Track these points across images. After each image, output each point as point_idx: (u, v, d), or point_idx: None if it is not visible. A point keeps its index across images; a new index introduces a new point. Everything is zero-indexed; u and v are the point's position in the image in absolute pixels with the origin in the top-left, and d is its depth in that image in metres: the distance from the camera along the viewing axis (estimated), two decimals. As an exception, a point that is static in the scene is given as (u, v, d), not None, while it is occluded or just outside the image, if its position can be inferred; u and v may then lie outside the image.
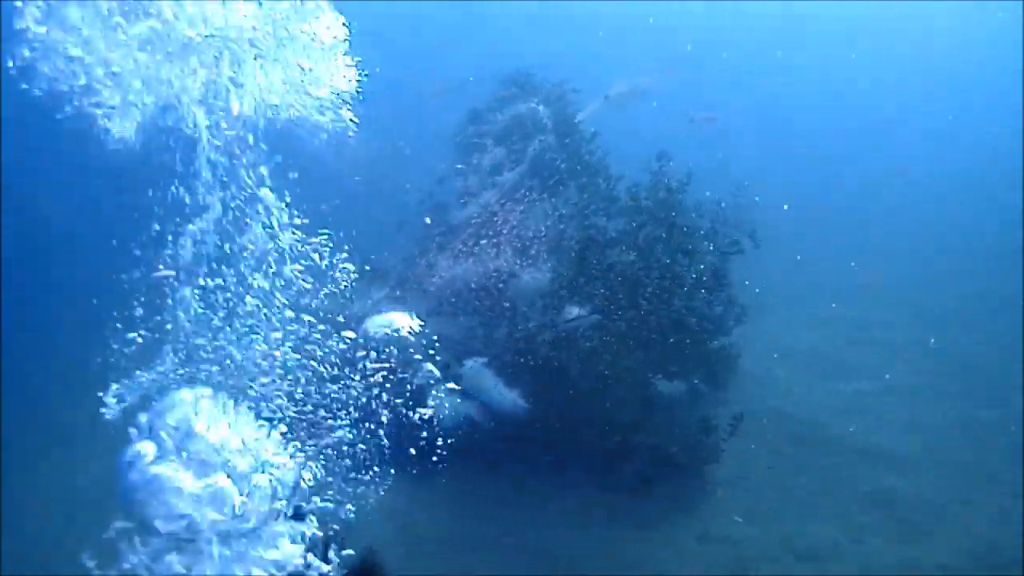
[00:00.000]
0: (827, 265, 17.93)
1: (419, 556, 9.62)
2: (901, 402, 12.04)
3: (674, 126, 19.59)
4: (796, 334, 14.88)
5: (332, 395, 7.48)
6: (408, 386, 11.84)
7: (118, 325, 5.70)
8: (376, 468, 11.49)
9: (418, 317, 12.28)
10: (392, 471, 11.67)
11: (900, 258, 17.32)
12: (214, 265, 5.70)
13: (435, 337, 12.18)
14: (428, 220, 12.63)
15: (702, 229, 11.29)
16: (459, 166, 13.41)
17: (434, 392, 11.49)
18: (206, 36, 4.81)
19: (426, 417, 11.29)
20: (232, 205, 5.57)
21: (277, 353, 6.24)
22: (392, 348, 12.55)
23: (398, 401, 11.88)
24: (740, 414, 10.61)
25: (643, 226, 10.34)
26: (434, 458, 11.33)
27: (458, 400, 11.24)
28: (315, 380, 6.97)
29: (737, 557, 8.97)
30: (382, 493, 11.30)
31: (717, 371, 12.44)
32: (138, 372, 5.42)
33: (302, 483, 4.85)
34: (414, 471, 11.50)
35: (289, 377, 6.40)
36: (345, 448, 11.53)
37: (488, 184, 12.91)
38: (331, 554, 5.09)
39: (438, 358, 12.17)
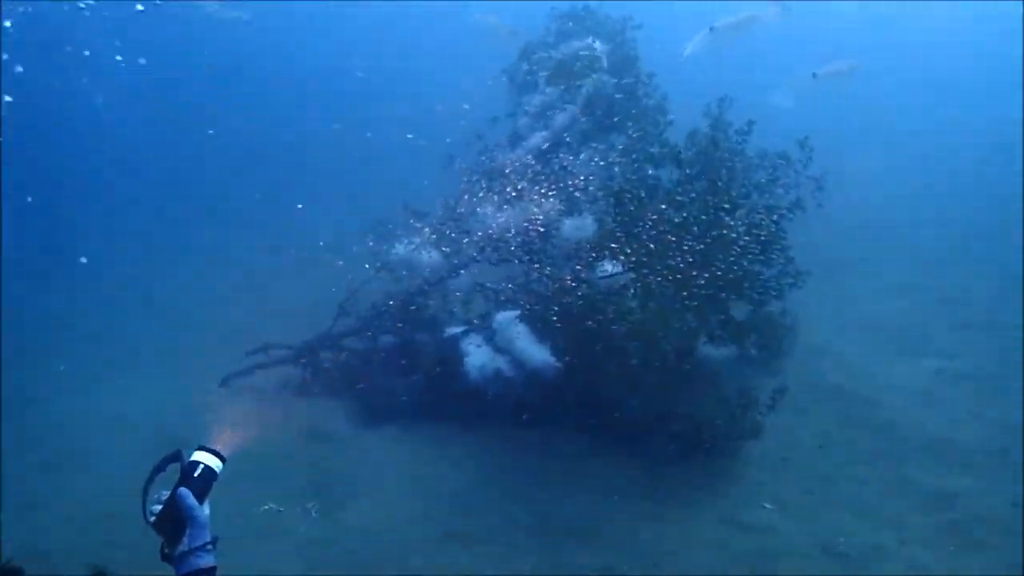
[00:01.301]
0: (911, 230, 16.12)
1: (429, 513, 9.09)
2: (980, 390, 10.51)
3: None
4: (868, 304, 13.35)
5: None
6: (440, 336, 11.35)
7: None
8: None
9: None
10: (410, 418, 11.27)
11: (993, 228, 15.32)
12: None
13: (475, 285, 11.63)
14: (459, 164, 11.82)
15: (758, 182, 10.07)
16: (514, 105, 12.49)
17: (465, 343, 10.90)
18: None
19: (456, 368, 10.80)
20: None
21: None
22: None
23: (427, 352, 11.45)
24: (783, 387, 9.51)
25: (689, 177, 9.20)
26: (458, 410, 10.85)
27: (489, 353, 10.60)
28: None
29: (760, 549, 8.00)
30: (401, 443, 10.98)
31: (770, 339, 11.28)
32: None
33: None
34: (434, 420, 11.13)
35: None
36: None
37: (539, 125, 11.96)
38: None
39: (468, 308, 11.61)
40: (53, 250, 19.15)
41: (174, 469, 3.31)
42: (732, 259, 8.93)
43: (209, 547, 3.19)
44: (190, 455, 3.35)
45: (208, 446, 3.70)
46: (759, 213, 9.10)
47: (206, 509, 3.64)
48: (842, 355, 11.72)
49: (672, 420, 9.59)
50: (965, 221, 15.89)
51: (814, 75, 12.25)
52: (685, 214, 8.91)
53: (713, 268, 8.90)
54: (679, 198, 8.97)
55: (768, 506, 8.64)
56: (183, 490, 3.27)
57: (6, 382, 12.65)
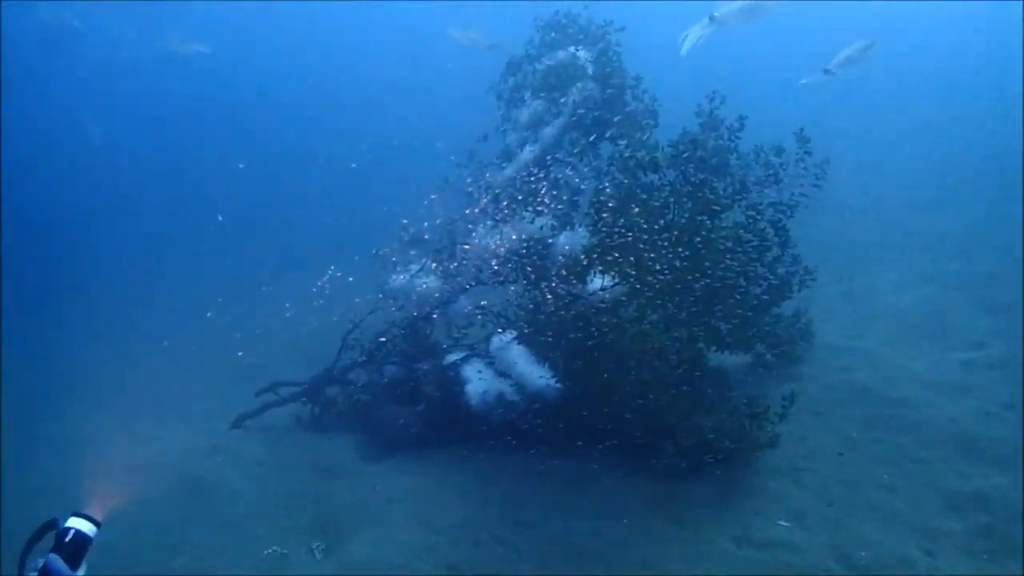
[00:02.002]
0: (928, 216, 15.24)
1: (432, 545, 8.65)
2: (1012, 380, 9.64)
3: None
4: (889, 295, 12.57)
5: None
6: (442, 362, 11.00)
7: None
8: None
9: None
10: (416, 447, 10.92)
11: (1015, 211, 14.36)
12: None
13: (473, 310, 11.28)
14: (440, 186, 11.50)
15: (755, 179, 9.50)
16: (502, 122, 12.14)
17: (466, 369, 10.53)
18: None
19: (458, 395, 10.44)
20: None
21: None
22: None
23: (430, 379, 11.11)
24: (793, 393, 8.88)
25: (669, 181, 8.69)
26: (461, 437, 10.47)
27: (490, 378, 10.21)
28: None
29: (775, 567, 7.38)
30: (407, 474, 10.62)
31: (784, 342, 10.65)
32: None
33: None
34: (440, 449, 10.75)
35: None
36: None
37: (528, 140, 11.59)
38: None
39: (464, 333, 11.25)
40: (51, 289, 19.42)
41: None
42: (724, 263, 8.35)
43: None
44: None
45: (82, 512, 4.18)
46: (752, 212, 8.50)
47: (81, 572, 3.93)
48: (864, 352, 11.00)
49: (680, 435, 9.05)
50: (985, 205, 14.99)
51: (826, 71, 11.52)
52: (663, 220, 8.39)
53: (704, 273, 8.34)
54: (655, 204, 8.45)
55: (784, 523, 8.00)
56: (52, 557, 3.48)
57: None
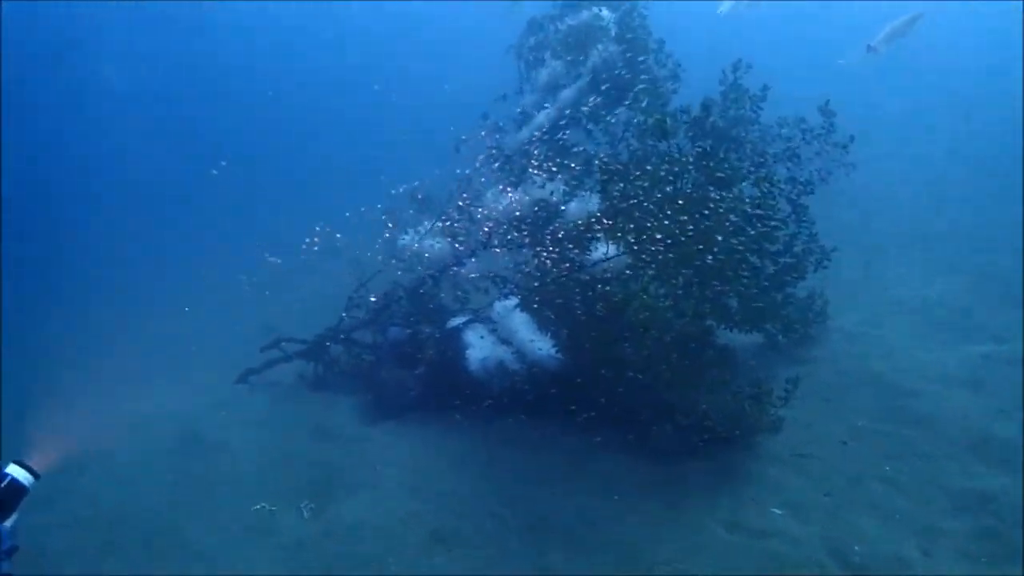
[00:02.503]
0: (956, 206, 14.56)
1: (419, 513, 8.50)
2: (1033, 376, 9.28)
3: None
4: (910, 284, 12.03)
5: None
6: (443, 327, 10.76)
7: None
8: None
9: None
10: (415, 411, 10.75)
11: None
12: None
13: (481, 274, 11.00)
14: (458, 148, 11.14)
15: (776, 152, 9.02)
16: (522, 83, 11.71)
17: (468, 334, 10.29)
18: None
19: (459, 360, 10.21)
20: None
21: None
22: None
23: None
24: (796, 378, 8.52)
25: (678, 148, 8.24)
26: (460, 403, 10.27)
27: (491, 344, 9.96)
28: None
29: (765, 557, 7.08)
30: (403, 439, 10.47)
31: (797, 324, 10.25)
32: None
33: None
34: (438, 414, 10.56)
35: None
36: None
37: (545, 102, 11.17)
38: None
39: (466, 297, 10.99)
40: (63, 249, 19.49)
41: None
42: (732, 237, 7.93)
43: (3, 554, 3.44)
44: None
45: (23, 461, 4.05)
46: (766, 184, 8.05)
47: (8, 522, 3.86)
48: (880, 340, 10.56)
49: (678, 413, 8.75)
50: (1012, 198, 14.27)
51: (869, 48, 10.85)
52: (669, 188, 7.97)
53: (711, 247, 7.94)
54: (660, 171, 8.03)
55: (778, 511, 7.70)
56: None
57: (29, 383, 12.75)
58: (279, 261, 13.76)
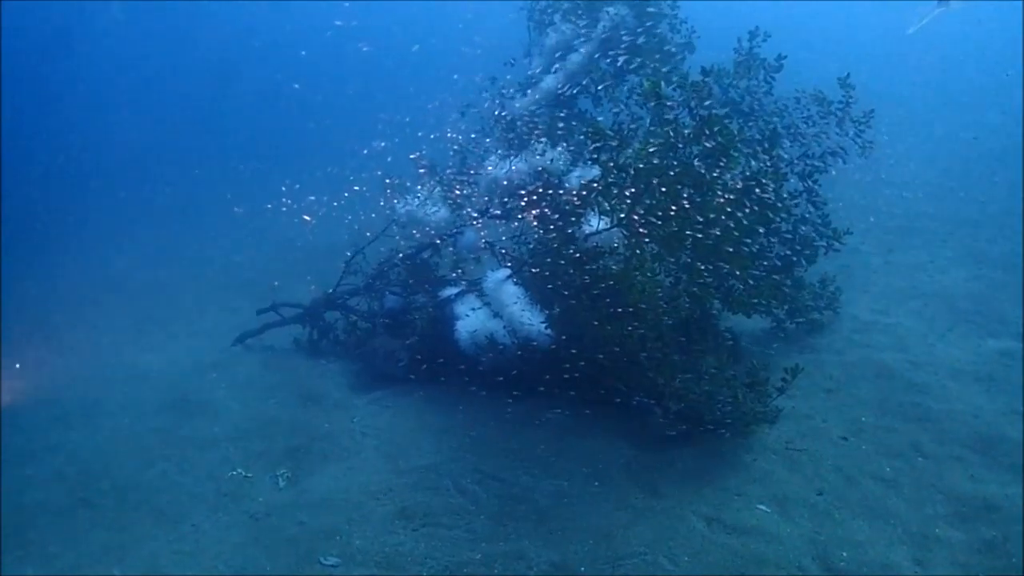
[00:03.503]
0: (982, 193, 13.56)
1: (393, 487, 8.07)
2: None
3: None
4: (931, 272, 11.18)
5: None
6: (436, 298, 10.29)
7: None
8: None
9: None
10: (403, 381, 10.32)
11: None
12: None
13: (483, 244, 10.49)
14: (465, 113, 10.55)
15: (789, 125, 8.30)
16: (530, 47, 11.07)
17: (459, 306, 9.79)
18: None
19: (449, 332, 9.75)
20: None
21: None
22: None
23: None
24: (796, 367, 7.86)
25: (676, 117, 7.55)
26: (448, 375, 9.82)
27: (482, 317, 9.46)
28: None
29: (742, 557, 6.51)
30: (388, 408, 10.06)
31: (805, 309, 9.56)
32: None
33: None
34: (426, 385, 10.13)
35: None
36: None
37: (552, 66, 10.52)
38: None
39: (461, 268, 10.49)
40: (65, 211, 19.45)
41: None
42: (732, 214, 7.27)
43: None
44: None
45: None
46: (766, 158, 7.35)
47: None
48: (894, 330, 9.81)
49: (669, 397, 8.18)
50: None
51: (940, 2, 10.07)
52: (664, 158, 7.30)
53: (708, 223, 7.29)
54: (656, 139, 7.36)
55: (764, 507, 7.11)
56: None
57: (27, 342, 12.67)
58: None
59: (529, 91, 10.45)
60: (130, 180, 21.44)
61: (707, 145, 7.01)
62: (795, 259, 9.02)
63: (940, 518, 6.71)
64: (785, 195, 8.96)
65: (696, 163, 7.11)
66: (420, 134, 11.01)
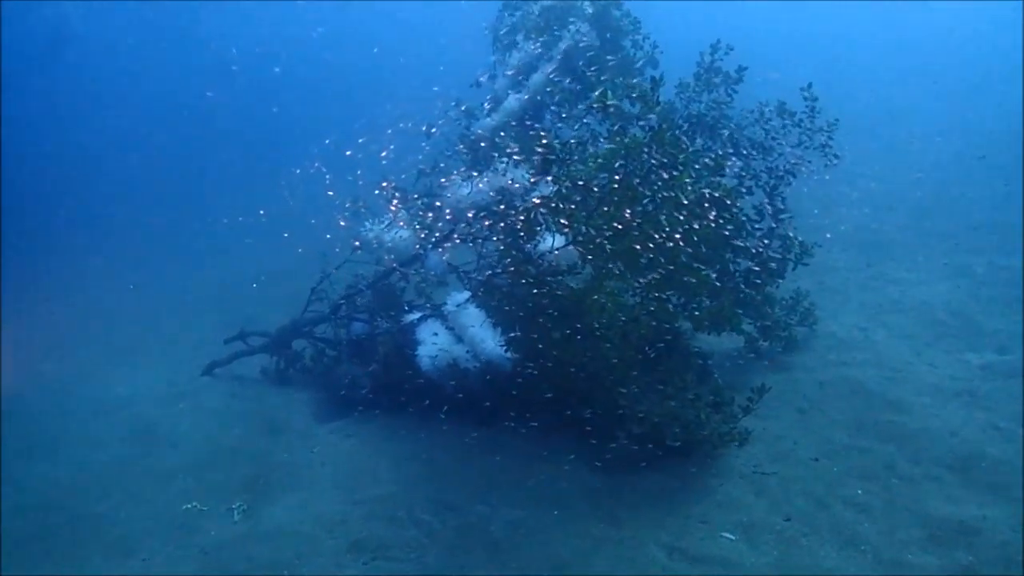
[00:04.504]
0: (971, 205, 13.09)
1: (348, 518, 7.61)
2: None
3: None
4: (910, 287, 10.69)
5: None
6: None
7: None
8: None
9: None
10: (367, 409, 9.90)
11: None
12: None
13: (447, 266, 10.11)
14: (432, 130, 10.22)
15: (742, 140, 7.92)
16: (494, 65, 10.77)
17: (421, 331, 9.39)
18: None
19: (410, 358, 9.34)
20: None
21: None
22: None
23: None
24: (763, 386, 7.41)
25: (622, 129, 7.17)
26: (409, 402, 9.38)
27: (441, 341, 9.04)
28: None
29: (703, 590, 6.05)
30: (349, 438, 9.62)
31: (776, 327, 9.11)
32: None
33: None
34: (388, 413, 9.69)
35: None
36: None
37: (516, 86, 10.21)
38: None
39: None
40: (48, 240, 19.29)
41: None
42: (688, 229, 6.85)
43: None
44: None
45: None
46: (711, 170, 6.95)
47: None
48: (870, 346, 9.33)
49: (630, 420, 7.71)
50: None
51: None
52: (606, 173, 6.92)
53: (664, 239, 6.87)
54: (602, 155, 6.98)
55: (729, 535, 6.61)
56: None
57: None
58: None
59: (493, 112, 10.13)
60: (113, 199, 21.43)
61: (657, 158, 6.62)
62: (762, 275, 8.58)
63: (913, 543, 6.20)
64: (751, 209, 8.58)
65: (646, 177, 6.70)
66: (383, 156, 10.66)
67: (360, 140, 10.17)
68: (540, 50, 9.98)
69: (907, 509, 6.61)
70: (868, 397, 8.31)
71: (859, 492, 6.91)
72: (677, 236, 6.81)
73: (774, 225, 8.45)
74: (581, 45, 9.55)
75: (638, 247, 6.92)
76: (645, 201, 6.82)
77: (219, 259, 18.04)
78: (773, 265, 8.37)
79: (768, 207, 8.41)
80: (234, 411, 10.43)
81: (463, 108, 10.50)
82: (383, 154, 10.10)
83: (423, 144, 10.65)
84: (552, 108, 9.51)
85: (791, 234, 8.47)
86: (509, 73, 10.12)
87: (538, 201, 7.60)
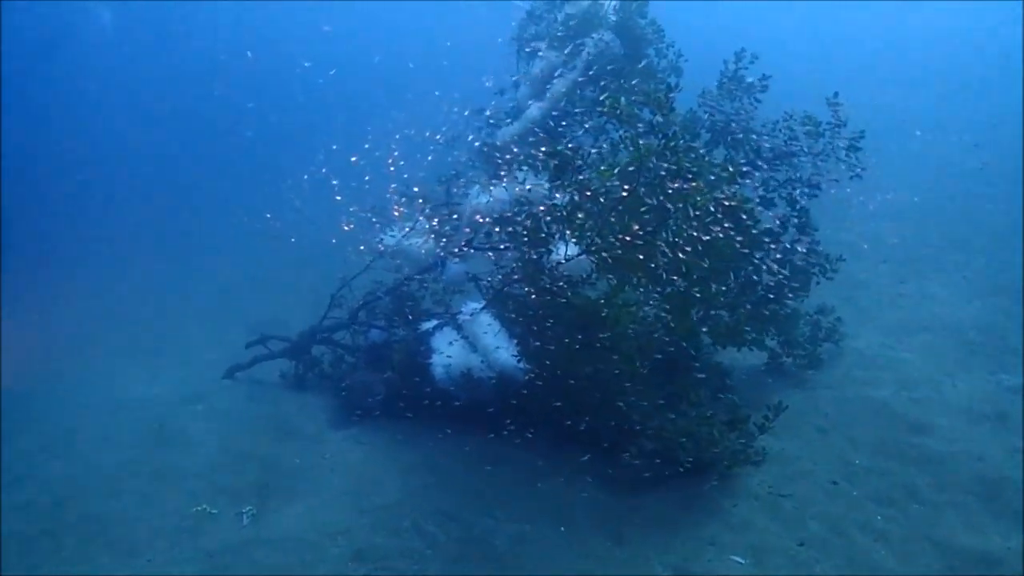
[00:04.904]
0: (1003, 219, 12.51)
1: (352, 527, 7.55)
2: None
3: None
4: (943, 305, 10.30)
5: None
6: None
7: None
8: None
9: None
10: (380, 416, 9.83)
11: None
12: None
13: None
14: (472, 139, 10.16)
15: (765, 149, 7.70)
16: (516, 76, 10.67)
17: (436, 339, 9.31)
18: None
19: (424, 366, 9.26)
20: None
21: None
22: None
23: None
24: (779, 404, 7.17)
25: (634, 136, 6.98)
26: (422, 410, 9.28)
27: (456, 351, 8.94)
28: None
29: (707, 615, 5.85)
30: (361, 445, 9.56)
31: (799, 342, 8.84)
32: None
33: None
34: (400, 421, 9.60)
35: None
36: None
37: (538, 95, 10.10)
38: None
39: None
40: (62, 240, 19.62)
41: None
42: (705, 240, 6.63)
43: None
44: None
45: None
46: (724, 178, 6.74)
47: None
48: (897, 364, 8.99)
49: (643, 437, 7.52)
50: None
51: None
52: (619, 181, 6.73)
53: (675, 250, 6.68)
54: (615, 163, 6.79)
55: (738, 559, 6.38)
56: None
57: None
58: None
59: (515, 120, 10.04)
60: (130, 201, 21.80)
61: (667, 167, 6.44)
62: (786, 289, 8.32)
63: (931, 574, 5.91)
64: (774, 221, 8.35)
65: (655, 186, 6.52)
66: (390, 163, 10.64)
67: (366, 146, 10.12)
68: (563, 58, 9.85)
69: (927, 537, 6.33)
70: (892, 418, 8.00)
71: (878, 518, 6.64)
72: (687, 247, 6.61)
73: (798, 237, 8.20)
74: (605, 53, 9.40)
75: (647, 257, 6.74)
76: (654, 211, 6.63)
77: (237, 260, 18.29)
78: (793, 281, 8.11)
79: (792, 219, 8.17)
80: (250, 415, 10.43)
81: (487, 114, 10.40)
82: (389, 161, 10.05)
83: (447, 153, 10.58)
84: (574, 116, 9.36)
85: (816, 247, 8.20)
86: (531, 80, 10.01)
87: (543, 209, 7.49)
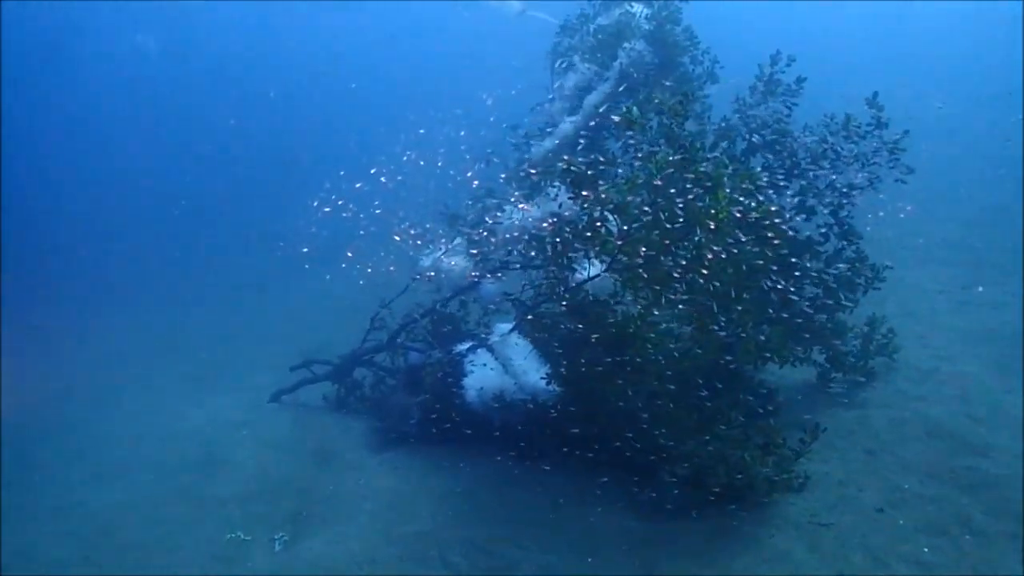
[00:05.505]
0: None
1: (380, 556, 7.55)
2: None
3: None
4: (1005, 312, 9.65)
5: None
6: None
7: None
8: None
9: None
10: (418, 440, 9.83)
11: None
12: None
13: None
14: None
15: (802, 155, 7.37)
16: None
17: (469, 361, 9.26)
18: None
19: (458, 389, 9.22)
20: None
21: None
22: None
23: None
24: (817, 426, 6.82)
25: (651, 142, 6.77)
26: (456, 434, 9.23)
27: (488, 373, 8.89)
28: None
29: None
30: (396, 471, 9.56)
31: (850, 357, 8.42)
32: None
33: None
34: (436, 445, 9.57)
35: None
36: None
37: (572, 108, 10.00)
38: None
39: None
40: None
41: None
42: (734, 254, 6.38)
43: None
44: None
45: None
46: (747, 187, 6.45)
47: None
48: (956, 379, 8.46)
49: (677, 461, 7.27)
50: None
51: None
52: (646, 195, 6.54)
53: (703, 265, 6.45)
54: (634, 176, 6.58)
55: (776, 592, 6.09)
56: None
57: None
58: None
59: (548, 135, 9.96)
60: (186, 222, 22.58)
61: (690, 179, 6.23)
62: (830, 300, 7.95)
63: (981, 611, 5.51)
64: (815, 230, 8.01)
65: (675, 199, 6.31)
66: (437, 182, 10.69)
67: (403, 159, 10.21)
68: (596, 70, 9.72)
69: (977, 572, 5.90)
70: (947, 438, 7.52)
71: (924, 550, 6.23)
72: (707, 261, 6.39)
73: (841, 246, 7.84)
74: (638, 63, 9.23)
75: (668, 273, 6.54)
76: (676, 225, 6.42)
77: (281, 285, 18.74)
78: (839, 292, 7.73)
79: (834, 227, 7.81)
80: (291, 439, 10.61)
81: (523, 133, 10.36)
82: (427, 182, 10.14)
83: (484, 171, 10.58)
84: (608, 129, 9.21)
85: (862, 256, 7.81)
86: (567, 96, 9.92)
87: (570, 225, 7.37)
